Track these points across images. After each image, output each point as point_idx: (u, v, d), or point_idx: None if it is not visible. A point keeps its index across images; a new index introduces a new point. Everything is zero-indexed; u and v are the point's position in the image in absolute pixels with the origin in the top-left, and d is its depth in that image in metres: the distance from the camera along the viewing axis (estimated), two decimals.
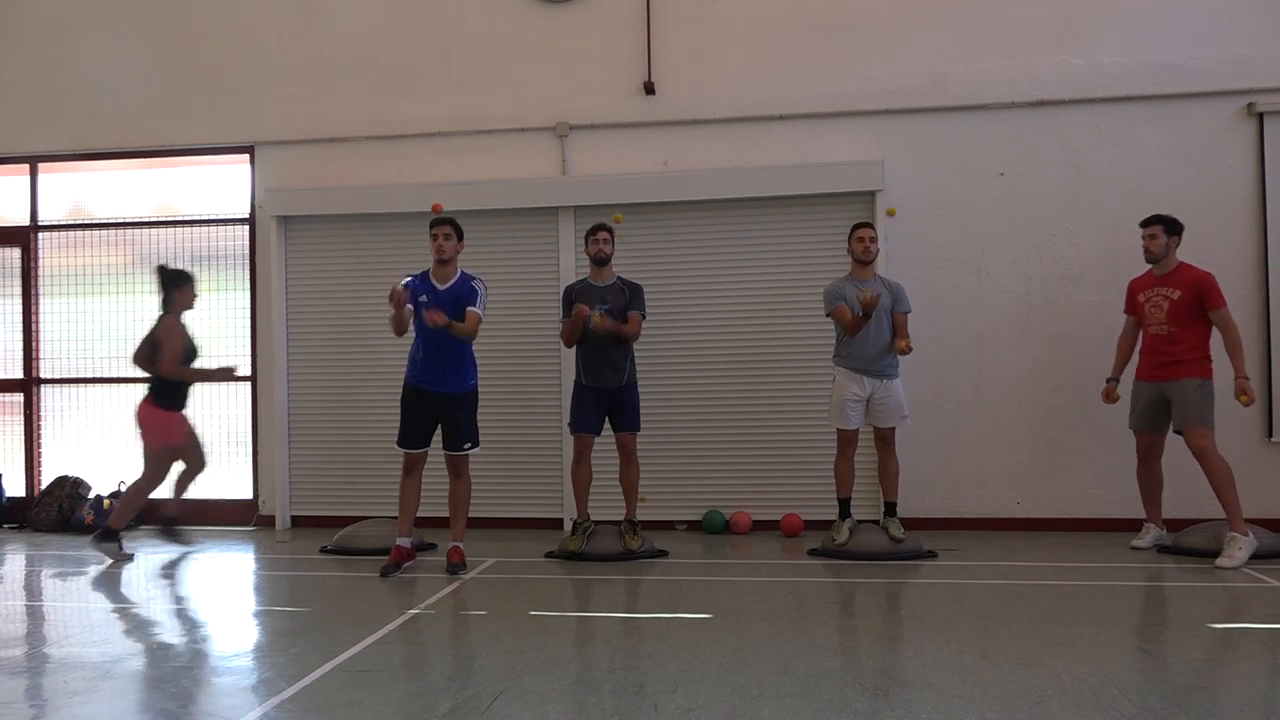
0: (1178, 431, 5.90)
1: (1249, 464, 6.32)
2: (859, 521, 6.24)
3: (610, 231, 6.25)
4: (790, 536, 6.75)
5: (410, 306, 5.63)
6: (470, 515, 6.02)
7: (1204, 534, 5.96)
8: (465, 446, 5.81)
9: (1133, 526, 6.34)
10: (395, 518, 5.99)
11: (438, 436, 5.87)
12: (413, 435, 5.80)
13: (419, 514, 6.97)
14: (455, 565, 5.76)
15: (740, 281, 7.12)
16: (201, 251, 7.87)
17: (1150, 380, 6.00)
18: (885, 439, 6.15)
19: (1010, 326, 6.91)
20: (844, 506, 6.20)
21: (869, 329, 5.99)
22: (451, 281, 5.79)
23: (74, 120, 7.90)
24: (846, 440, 6.17)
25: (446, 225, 5.80)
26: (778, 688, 3.59)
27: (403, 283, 5.70)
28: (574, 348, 6.25)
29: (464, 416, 5.81)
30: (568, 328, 6.13)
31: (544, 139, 7.42)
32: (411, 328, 5.74)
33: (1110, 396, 6.22)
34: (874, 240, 6.16)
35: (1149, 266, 6.14)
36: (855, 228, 6.20)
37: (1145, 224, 6.08)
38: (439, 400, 5.76)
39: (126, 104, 7.84)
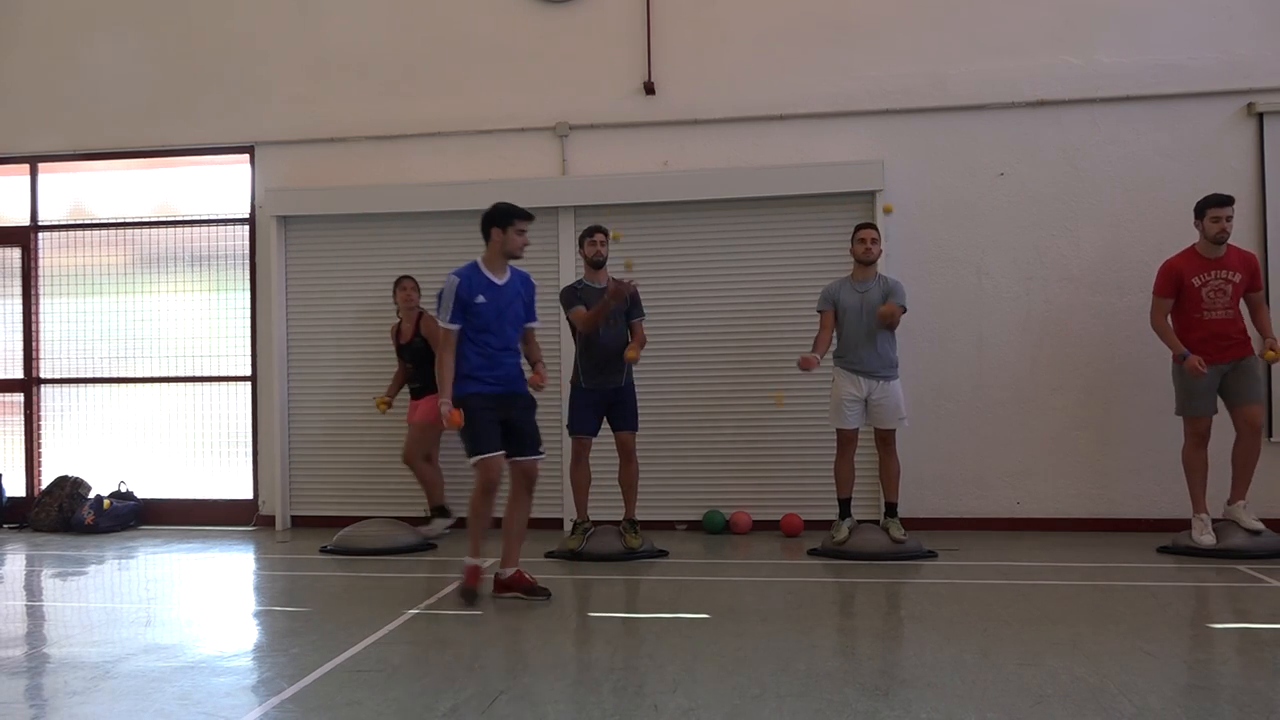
0: (1233, 408, 5.86)
1: None
2: (859, 522, 6.24)
3: (606, 233, 6.23)
4: (790, 536, 6.75)
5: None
6: (468, 516, 5.95)
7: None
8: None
9: (1132, 527, 6.34)
10: (395, 518, 5.98)
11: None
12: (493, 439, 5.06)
13: (417, 514, 7.02)
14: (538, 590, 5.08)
15: (740, 281, 7.11)
16: (201, 251, 7.88)
17: (1213, 363, 5.83)
18: (885, 440, 6.15)
19: (1010, 326, 6.90)
20: (844, 507, 6.20)
21: (861, 329, 6.00)
22: (509, 277, 5.22)
23: (74, 120, 7.90)
24: (846, 440, 6.17)
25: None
26: (778, 688, 3.59)
27: (454, 285, 4.99)
28: (575, 349, 6.24)
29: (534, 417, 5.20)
30: (596, 313, 5.89)
31: (544, 139, 7.41)
32: (453, 330, 5.03)
33: (1202, 367, 5.76)
34: (875, 241, 6.16)
35: (1190, 248, 5.91)
36: (857, 228, 6.21)
37: (1222, 204, 5.80)
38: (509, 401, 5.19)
39: (126, 104, 7.84)
